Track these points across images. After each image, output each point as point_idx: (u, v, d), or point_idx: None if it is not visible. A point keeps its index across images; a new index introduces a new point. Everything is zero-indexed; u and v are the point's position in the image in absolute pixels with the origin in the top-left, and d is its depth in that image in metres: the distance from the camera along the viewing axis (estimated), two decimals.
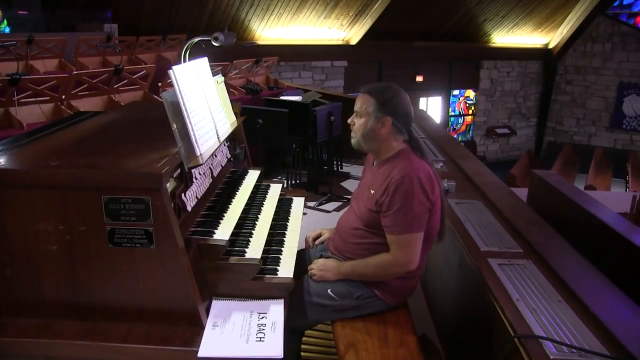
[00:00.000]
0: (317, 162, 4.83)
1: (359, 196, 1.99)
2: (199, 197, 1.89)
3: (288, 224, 2.21)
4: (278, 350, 1.47)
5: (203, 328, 1.53)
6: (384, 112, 1.84)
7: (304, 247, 2.28)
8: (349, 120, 1.96)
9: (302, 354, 2.22)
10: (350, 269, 1.90)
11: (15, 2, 7.01)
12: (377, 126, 1.86)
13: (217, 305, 1.65)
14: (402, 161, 1.83)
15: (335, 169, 5.11)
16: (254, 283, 1.69)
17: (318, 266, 1.95)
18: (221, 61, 5.95)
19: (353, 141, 1.96)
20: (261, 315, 1.61)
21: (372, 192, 1.86)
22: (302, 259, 2.15)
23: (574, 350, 1.47)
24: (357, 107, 1.91)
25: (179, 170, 1.73)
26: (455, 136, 12.03)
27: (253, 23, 8.99)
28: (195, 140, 1.72)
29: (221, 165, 2.29)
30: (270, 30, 9.35)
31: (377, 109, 1.85)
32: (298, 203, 2.46)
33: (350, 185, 4.91)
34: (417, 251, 1.81)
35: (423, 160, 1.87)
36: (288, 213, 2.33)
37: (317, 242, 2.24)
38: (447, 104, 12.41)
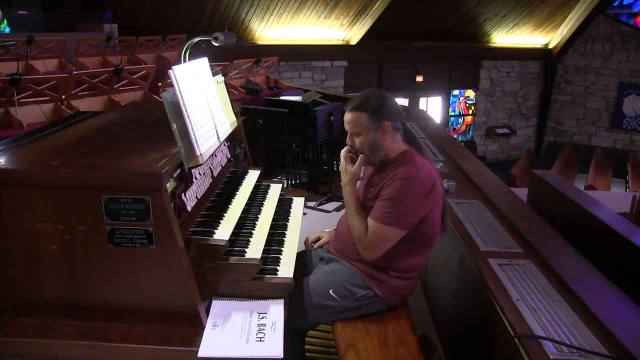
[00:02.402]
0: (317, 162, 4.83)
1: (360, 196, 1.99)
2: (199, 197, 1.89)
3: (288, 224, 2.21)
4: (278, 350, 1.47)
5: (203, 328, 1.53)
6: (379, 119, 1.83)
7: (304, 249, 2.28)
8: (347, 142, 1.93)
9: (306, 354, 2.22)
10: (347, 202, 1.90)
11: (15, 2, 7.00)
12: (379, 135, 1.85)
13: (217, 305, 1.65)
14: (405, 163, 1.83)
15: (335, 169, 5.09)
16: (254, 283, 1.69)
17: (346, 165, 1.93)
18: (221, 61, 5.95)
19: None
20: (261, 315, 1.61)
21: (374, 192, 1.86)
22: (302, 261, 2.15)
23: (574, 350, 1.47)
24: (349, 128, 1.89)
25: (179, 170, 1.73)
26: (455, 136, 12.03)
27: (253, 23, 8.99)
28: (195, 140, 1.72)
29: (221, 165, 2.29)
30: (270, 30, 9.35)
31: (370, 120, 1.83)
32: (298, 203, 2.46)
33: None
34: (385, 247, 1.80)
35: (425, 159, 1.87)
36: (288, 213, 2.33)
37: (315, 246, 2.23)
38: (447, 104, 12.41)
